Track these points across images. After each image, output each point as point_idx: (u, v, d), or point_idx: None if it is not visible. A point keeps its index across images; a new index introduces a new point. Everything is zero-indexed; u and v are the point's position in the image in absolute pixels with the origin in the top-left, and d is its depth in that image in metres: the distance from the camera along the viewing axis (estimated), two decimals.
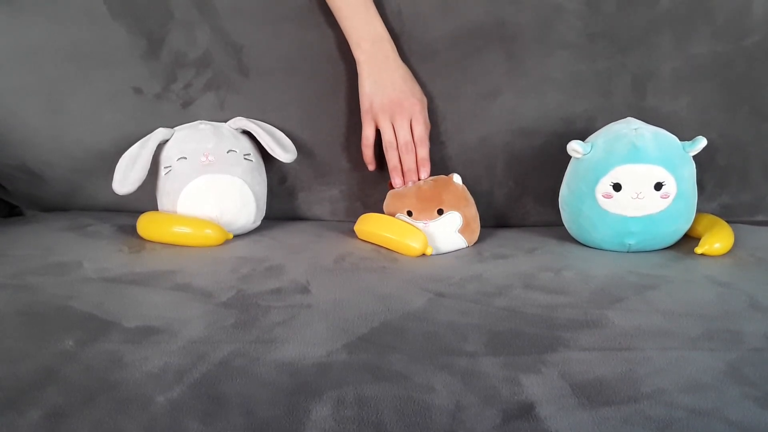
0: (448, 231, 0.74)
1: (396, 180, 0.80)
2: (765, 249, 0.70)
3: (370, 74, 0.78)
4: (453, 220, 0.74)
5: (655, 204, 0.68)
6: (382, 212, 0.79)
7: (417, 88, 0.79)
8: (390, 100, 0.77)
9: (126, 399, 0.39)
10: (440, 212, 0.74)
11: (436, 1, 0.81)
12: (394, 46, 0.79)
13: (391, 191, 0.80)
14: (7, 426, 0.36)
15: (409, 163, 0.78)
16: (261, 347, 0.45)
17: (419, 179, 0.79)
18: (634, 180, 0.67)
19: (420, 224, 0.74)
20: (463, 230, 0.74)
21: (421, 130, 0.78)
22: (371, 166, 0.84)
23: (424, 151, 0.79)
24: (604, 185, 0.68)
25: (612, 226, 0.70)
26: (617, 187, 0.68)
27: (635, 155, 0.66)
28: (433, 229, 0.73)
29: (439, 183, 0.76)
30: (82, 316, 0.50)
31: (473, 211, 0.76)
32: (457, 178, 0.77)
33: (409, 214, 0.75)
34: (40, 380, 0.40)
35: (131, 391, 0.39)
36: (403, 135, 0.77)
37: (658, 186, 0.67)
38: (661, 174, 0.67)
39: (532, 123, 0.83)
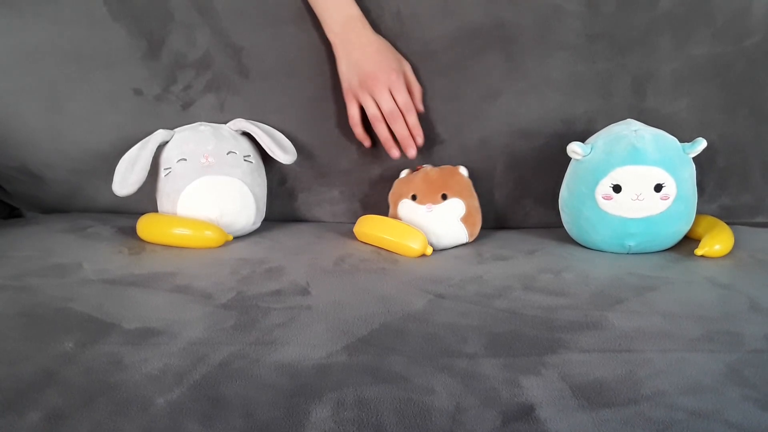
0: (451, 218, 0.74)
1: (393, 151, 0.80)
2: (765, 251, 0.70)
3: (344, 54, 0.78)
4: (456, 206, 0.74)
5: (655, 205, 0.68)
6: (381, 213, 0.80)
7: (393, 58, 0.79)
8: (365, 75, 0.77)
9: (126, 401, 0.39)
10: (444, 197, 0.74)
11: (435, 2, 0.81)
12: (366, 22, 0.79)
13: (398, 179, 0.81)
14: (6, 427, 0.36)
15: (400, 130, 0.79)
16: (261, 349, 0.45)
17: (417, 147, 0.80)
18: (634, 181, 0.67)
19: (423, 208, 0.74)
20: (465, 219, 0.75)
21: (404, 98, 0.78)
22: (366, 143, 0.84)
23: (412, 118, 0.79)
24: (604, 187, 0.68)
25: (612, 228, 0.70)
26: (617, 188, 0.68)
27: (635, 157, 0.66)
28: (436, 214, 0.74)
29: (446, 171, 0.78)
30: (81, 318, 0.50)
31: (476, 203, 0.77)
32: (463, 170, 0.78)
33: (414, 198, 0.76)
34: (39, 382, 0.40)
35: (131, 393, 0.39)
36: (386, 105, 0.77)
37: (658, 187, 0.67)
38: (661, 175, 0.67)
39: (532, 124, 0.83)
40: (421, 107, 0.82)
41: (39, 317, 0.50)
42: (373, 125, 0.80)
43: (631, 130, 0.69)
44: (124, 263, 0.65)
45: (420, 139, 0.80)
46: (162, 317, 0.50)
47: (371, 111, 0.78)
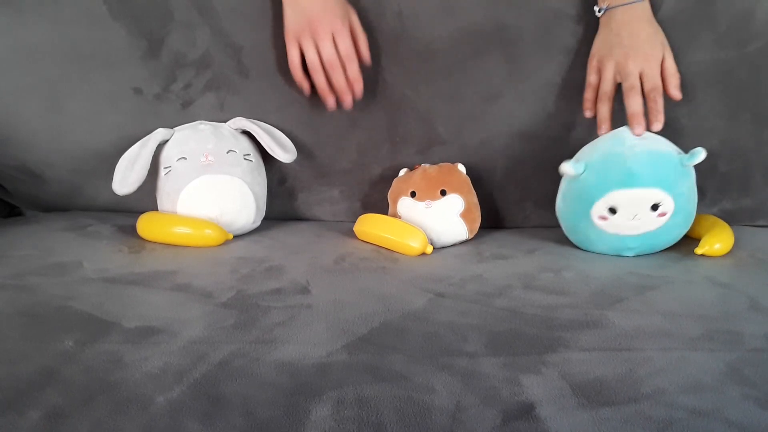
0: (450, 214, 0.75)
1: (328, 100, 0.79)
2: (765, 250, 0.70)
3: (292, 1, 0.76)
4: (455, 202, 0.75)
5: (651, 223, 0.67)
6: (381, 213, 0.80)
7: (340, 5, 0.77)
8: (309, 19, 0.75)
9: (126, 399, 0.39)
10: (443, 193, 0.75)
11: (437, 3, 0.81)
12: None
13: (396, 178, 0.81)
14: (6, 426, 0.36)
15: (338, 80, 0.77)
16: (261, 348, 0.45)
17: (353, 99, 0.78)
18: (630, 204, 0.66)
19: (422, 205, 0.74)
20: (465, 215, 0.75)
21: (346, 46, 0.76)
22: (305, 87, 0.81)
23: (353, 68, 0.77)
24: (600, 209, 0.67)
25: (609, 243, 0.70)
26: (613, 210, 0.67)
27: (630, 180, 0.65)
28: (435, 211, 0.74)
29: (444, 169, 0.78)
30: (81, 317, 0.50)
31: (474, 199, 0.77)
32: (461, 167, 0.78)
33: (413, 195, 0.76)
34: (39, 381, 0.40)
35: (131, 392, 0.39)
36: (326, 52, 0.76)
37: (655, 207, 0.66)
38: (657, 196, 0.65)
39: (532, 127, 0.83)
40: (367, 57, 0.79)
41: (39, 316, 0.50)
42: (311, 73, 0.78)
43: (625, 146, 0.67)
44: (124, 262, 0.65)
45: (359, 91, 0.78)
46: (162, 316, 0.50)
47: (310, 57, 0.76)
